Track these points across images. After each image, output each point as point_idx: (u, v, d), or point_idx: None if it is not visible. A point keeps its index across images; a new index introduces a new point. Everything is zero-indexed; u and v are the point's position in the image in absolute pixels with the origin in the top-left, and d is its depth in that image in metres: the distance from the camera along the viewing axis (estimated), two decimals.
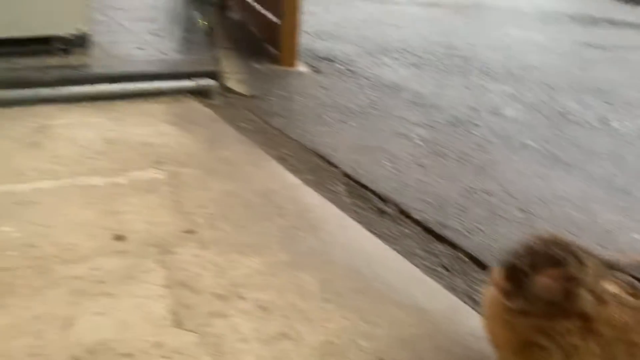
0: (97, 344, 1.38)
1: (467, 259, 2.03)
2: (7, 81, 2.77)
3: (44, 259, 1.67)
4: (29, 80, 2.82)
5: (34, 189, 2.04)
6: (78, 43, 3.18)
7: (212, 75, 3.30)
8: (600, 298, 1.23)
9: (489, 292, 1.41)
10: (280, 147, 2.73)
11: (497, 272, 1.39)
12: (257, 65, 3.85)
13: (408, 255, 1.98)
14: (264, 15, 4.23)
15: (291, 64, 3.89)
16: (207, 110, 3.05)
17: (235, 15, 5.08)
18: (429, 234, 2.15)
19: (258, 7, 4.41)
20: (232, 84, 3.42)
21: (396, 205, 2.29)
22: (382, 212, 2.25)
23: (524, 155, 2.90)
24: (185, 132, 2.70)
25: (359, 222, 2.13)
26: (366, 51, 4.47)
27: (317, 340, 1.47)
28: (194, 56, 3.61)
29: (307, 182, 2.38)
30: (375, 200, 2.33)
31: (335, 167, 2.56)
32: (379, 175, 2.50)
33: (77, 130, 2.55)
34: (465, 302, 1.78)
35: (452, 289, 1.85)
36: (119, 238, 1.81)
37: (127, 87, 2.96)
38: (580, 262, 1.29)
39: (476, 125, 3.20)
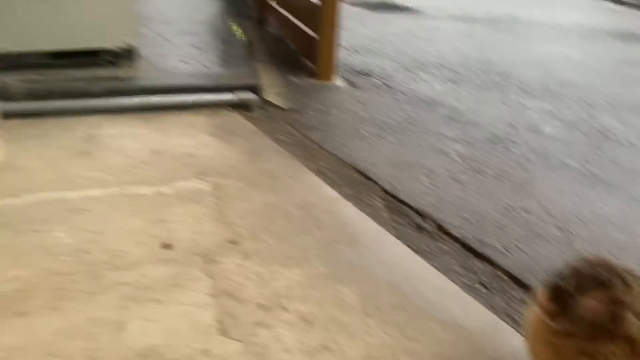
0: (147, 349, 1.43)
1: (506, 277, 2.03)
2: (58, 92, 2.89)
3: (96, 265, 1.74)
4: (79, 91, 2.94)
5: (84, 197, 2.12)
6: (125, 56, 3.31)
7: (252, 88, 3.37)
8: None
9: (532, 312, 1.41)
10: (318, 160, 2.77)
11: (541, 293, 1.39)
12: (295, 79, 3.91)
13: (447, 271, 1.99)
14: (301, 30, 4.31)
15: (328, 78, 3.95)
16: (247, 122, 3.12)
17: (272, 29, 5.18)
18: (467, 251, 2.15)
19: (296, 21, 4.49)
20: (271, 97, 3.49)
21: (434, 222, 2.30)
22: (420, 228, 2.26)
23: (563, 174, 2.87)
24: (226, 144, 2.77)
25: (398, 237, 2.15)
26: (403, 66, 4.49)
27: (358, 354, 1.49)
28: (235, 70, 3.70)
29: (346, 196, 2.42)
30: (413, 215, 2.34)
31: (373, 181, 2.59)
32: (416, 191, 2.52)
33: (124, 140, 2.64)
34: (504, 321, 1.78)
35: (491, 307, 1.85)
36: (166, 246, 1.87)
37: (172, 99, 3.05)
38: (627, 284, 1.29)
39: (514, 142, 3.18)
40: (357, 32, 5.42)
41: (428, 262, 2.02)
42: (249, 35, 4.72)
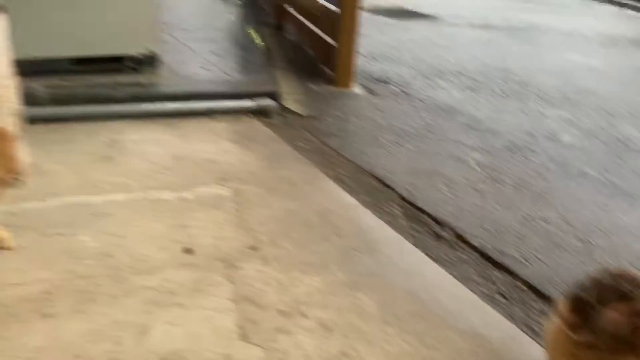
0: (170, 353, 1.46)
1: (525, 288, 2.02)
2: (82, 97, 2.95)
3: (119, 269, 1.77)
4: (102, 97, 3.00)
5: (108, 201, 2.17)
6: (148, 62, 3.37)
7: (271, 95, 3.41)
8: None
9: (552, 323, 1.41)
10: (336, 167, 2.79)
11: (562, 304, 1.39)
12: (313, 86, 3.94)
13: (465, 281, 1.99)
14: (320, 37, 4.34)
15: (347, 85, 3.97)
16: (266, 129, 3.16)
17: (290, 35, 5.21)
18: (486, 260, 2.15)
19: (314, 28, 4.53)
20: (289, 104, 3.52)
21: (453, 230, 2.31)
22: (438, 237, 2.26)
23: (583, 183, 2.85)
24: (246, 150, 2.80)
25: (416, 245, 2.15)
26: (421, 73, 4.50)
27: None
28: (254, 77, 3.73)
29: (364, 203, 2.43)
30: (432, 224, 2.35)
31: (392, 189, 2.60)
32: (435, 199, 2.52)
33: (146, 145, 2.68)
34: (523, 331, 1.77)
35: (510, 317, 1.85)
36: (188, 251, 1.90)
37: (193, 105, 3.10)
38: None
39: (533, 151, 3.17)
40: (375, 39, 5.44)
41: (447, 271, 2.03)
42: (267, 41, 4.76)
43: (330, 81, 4.01)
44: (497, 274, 2.08)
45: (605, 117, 3.87)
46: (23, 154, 1.63)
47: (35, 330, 1.49)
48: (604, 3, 9.93)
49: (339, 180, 2.63)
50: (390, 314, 1.71)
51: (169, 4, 4.75)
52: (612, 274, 1.37)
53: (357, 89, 3.99)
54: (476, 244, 2.23)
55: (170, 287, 1.70)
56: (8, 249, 1.81)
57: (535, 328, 1.79)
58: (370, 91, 3.99)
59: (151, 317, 1.57)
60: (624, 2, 9.61)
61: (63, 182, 2.28)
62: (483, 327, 1.72)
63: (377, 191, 2.58)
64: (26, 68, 2.18)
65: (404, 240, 2.18)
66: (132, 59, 3.34)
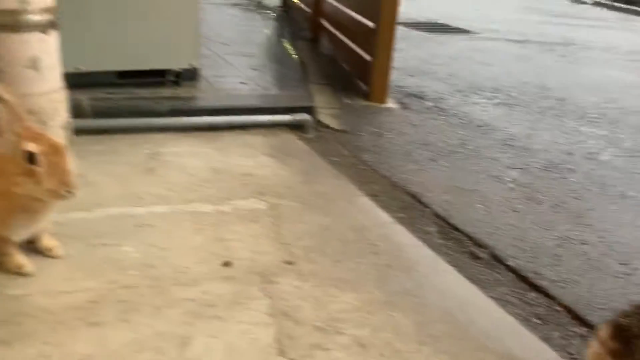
0: None
1: (562, 311, 2.00)
2: (126, 110, 3.05)
3: (161, 280, 1.82)
4: (144, 110, 3.09)
5: (150, 213, 2.23)
6: (188, 76, 3.46)
7: (307, 109, 3.45)
8: None
9: (593, 349, 1.40)
10: (371, 183, 2.81)
11: (604, 330, 1.37)
12: (348, 101, 3.98)
13: (501, 302, 1.98)
14: (355, 52, 4.38)
15: (381, 100, 3.99)
16: (301, 143, 3.20)
17: (325, 49, 5.27)
18: (522, 281, 2.13)
19: (350, 43, 4.57)
20: (324, 118, 3.56)
21: (489, 250, 2.29)
22: (474, 257, 2.25)
23: (623, 205, 2.80)
24: (282, 164, 2.84)
25: (452, 265, 2.15)
26: (456, 89, 4.49)
27: None
28: (290, 91, 3.79)
29: (399, 220, 2.44)
30: (468, 243, 2.34)
31: (427, 206, 2.60)
32: (471, 218, 2.51)
33: (186, 158, 2.75)
34: (561, 356, 1.75)
35: (548, 340, 1.83)
36: (227, 264, 1.94)
37: (231, 119, 3.16)
38: None
39: (571, 170, 3.13)
40: (410, 54, 5.46)
41: (482, 292, 2.02)
42: (302, 55, 4.83)
43: (365, 96, 4.05)
44: (533, 295, 2.06)
45: None
46: (73, 166, 1.70)
47: (82, 338, 1.55)
48: None
49: (373, 196, 2.64)
50: (425, 334, 1.71)
51: (206, 17, 4.86)
52: None
53: (391, 104, 4.01)
54: (512, 265, 2.21)
55: (209, 300, 1.74)
56: (56, 257, 1.88)
57: (574, 353, 1.77)
58: (405, 106, 4.01)
59: (192, 329, 1.61)
60: None
61: (107, 192, 2.35)
62: (519, 350, 1.71)
63: (412, 208, 2.59)
64: (73, 81, 2.28)
65: (440, 259, 2.18)
66: (174, 73, 3.44)
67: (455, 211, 2.56)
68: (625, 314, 1.35)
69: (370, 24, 4.03)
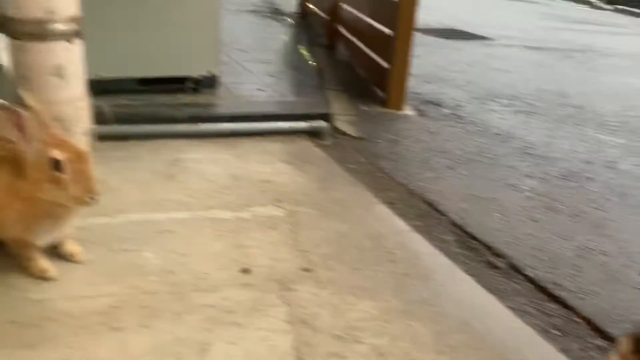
0: None
1: (581, 322, 1.99)
2: (146, 116, 3.09)
3: (181, 286, 1.85)
4: (164, 116, 3.13)
5: (170, 219, 2.26)
6: (207, 83, 3.51)
7: (324, 116, 3.47)
8: None
9: None
10: (387, 190, 2.81)
11: (624, 343, 1.36)
12: (364, 107, 3.99)
13: (519, 312, 1.97)
14: (372, 59, 4.39)
15: (398, 107, 4.00)
16: (318, 150, 3.21)
17: (342, 56, 5.30)
18: (541, 292, 2.12)
19: (367, 50, 4.59)
20: (341, 125, 3.58)
21: (507, 260, 2.29)
22: (492, 266, 2.25)
23: None
24: (300, 171, 2.86)
25: (469, 274, 2.14)
26: (473, 96, 4.48)
27: None
28: (307, 98, 3.82)
29: (416, 228, 2.44)
30: (485, 252, 2.33)
31: (444, 215, 2.60)
32: (488, 227, 2.51)
33: (205, 165, 2.79)
34: None
35: (566, 352, 1.82)
36: (245, 271, 1.96)
37: (249, 126, 3.19)
38: None
39: (591, 179, 3.11)
40: (427, 60, 5.46)
41: (500, 302, 2.01)
42: (319, 62, 4.86)
43: (381, 102, 4.06)
44: (552, 306, 2.05)
45: None
46: (96, 172, 1.74)
47: (104, 342, 1.57)
48: None
49: (390, 203, 2.65)
50: (443, 344, 1.71)
51: (224, 24, 4.91)
52: None
53: (408, 111, 4.01)
54: (531, 275, 2.20)
55: (229, 306, 1.76)
56: (79, 262, 1.92)
57: None
58: (422, 113, 4.01)
59: (211, 335, 1.63)
60: None
61: (128, 198, 2.39)
62: None
63: (429, 216, 2.59)
64: (95, 88, 2.33)
65: (457, 268, 2.18)
66: (193, 80, 3.48)
67: (472, 220, 2.55)
68: None
69: (387, 31, 4.05)
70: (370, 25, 4.46)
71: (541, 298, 2.09)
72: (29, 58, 2.05)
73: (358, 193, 2.72)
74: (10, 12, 1.94)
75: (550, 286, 2.14)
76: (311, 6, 6.93)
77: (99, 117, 3.01)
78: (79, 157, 1.67)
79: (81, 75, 2.21)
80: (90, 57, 2.27)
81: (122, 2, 3.23)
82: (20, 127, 1.62)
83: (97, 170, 1.73)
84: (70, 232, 1.93)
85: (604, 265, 2.31)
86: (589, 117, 4.18)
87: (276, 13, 7.37)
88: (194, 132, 3.08)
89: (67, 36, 2.12)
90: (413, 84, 4.35)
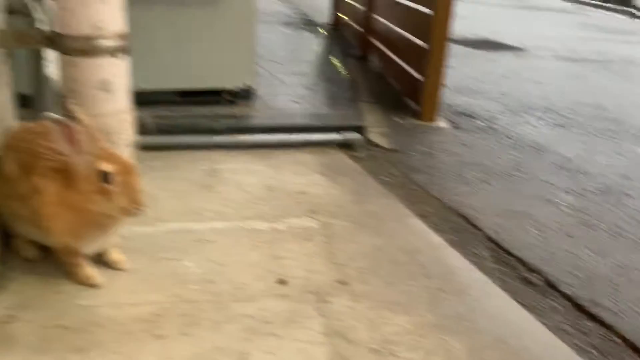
0: None
1: (620, 342, 1.96)
2: (185, 127, 3.18)
3: (221, 295, 1.90)
4: (203, 128, 3.21)
5: (208, 228, 2.32)
6: (244, 95, 3.58)
7: (357, 128, 3.50)
8: None
9: None
10: (421, 203, 2.82)
11: None
12: (397, 119, 4.01)
13: (556, 330, 1.95)
14: (405, 70, 4.41)
15: (432, 119, 4.00)
16: (351, 162, 3.24)
17: (374, 67, 5.32)
18: (578, 310, 2.10)
19: (400, 61, 4.61)
20: (374, 137, 3.60)
21: (543, 276, 2.27)
22: (528, 282, 2.23)
23: None
24: (333, 183, 2.89)
25: (505, 290, 2.13)
26: (507, 108, 4.45)
27: None
28: (341, 110, 3.85)
29: (451, 242, 2.44)
30: (521, 268, 2.32)
31: (479, 229, 2.59)
32: (524, 243, 2.49)
33: (241, 175, 2.85)
34: None
35: None
36: (282, 282, 2.00)
37: (284, 137, 3.25)
38: None
39: (629, 195, 3.05)
40: (460, 71, 5.44)
41: (536, 319, 2.00)
42: (352, 73, 4.89)
43: (414, 114, 4.07)
44: (590, 325, 2.03)
45: None
46: (142, 184, 1.80)
47: (147, 349, 1.63)
48: None
49: (424, 217, 2.66)
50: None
51: (259, 36, 5.00)
52: None
53: (442, 123, 4.01)
54: (568, 292, 2.18)
55: (266, 317, 1.80)
56: (122, 270, 1.99)
57: None
58: (456, 125, 4.00)
59: (250, 345, 1.67)
60: None
61: (168, 207, 2.46)
62: None
63: (463, 231, 2.59)
64: (136, 99, 2.41)
65: (492, 283, 2.17)
66: (230, 92, 3.56)
67: (507, 235, 2.54)
68: None
69: (421, 43, 4.06)
70: (404, 37, 4.48)
71: (578, 316, 2.07)
72: (77, 72, 2.14)
73: (392, 206, 2.74)
74: (61, 29, 2.03)
75: (587, 304, 2.12)
76: (343, 17, 6.99)
77: (141, 128, 3.11)
78: (126, 169, 1.74)
79: (126, 89, 2.30)
80: (132, 69, 2.36)
81: (163, 17, 3.34)
82: (72, 140, 1.70)
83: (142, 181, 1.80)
84: (115, 240, 2.00)
85: None
86: (626, 131, 4.11)
87: (309, 24, 7.46)
88: (231, 143, 3.15)
89: (113, 51, 2.21)
90: (446, 96, 4.35)
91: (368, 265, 2.17)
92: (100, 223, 1.81)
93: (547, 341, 1.88)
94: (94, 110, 2.13)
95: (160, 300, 1.85)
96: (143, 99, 3.13)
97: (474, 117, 4.18)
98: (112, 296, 1.85)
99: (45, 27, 2.35)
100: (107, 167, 1.71)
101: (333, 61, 5.27)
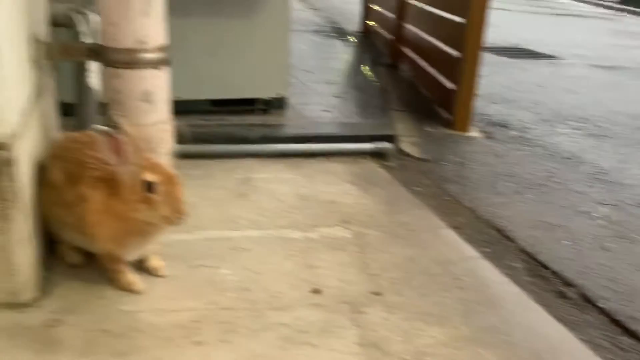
0: None
1: None
2: (221, 136, 3.25)
3: (257, 303, 1.94)
4: (237, 137, 3.27)
5: (244, 237, 2.37)
6: (276, 105, 3.64)
7: (388, 138, 3.51)
8: None
9: None
10: (454, 214, 2.82)
11: None
12: (429, 128, 4.00)
13: (593, 346, 1.94)
14: (437, 79, 4.40)
15: (464, 129, 3.99)
16: (383, 171, 3.26)
17: (405, 75, 5.33)
18: (615, 325, 2.07)
19: (432, 70, 4.60)
20: (406, 146, 3.61)
21: (578, 290, 2.25)
22: (563, 296, 2.22)
23: None
24: (365, 193, 2.91)
25: (539, 303, 2.12)
26: (541, 118, 4.40)
27: None
28: (372, 119, 3.88)
29: (484, 254, 2.43)
30: (556, 281, 2.30)
31: (513, 241, 2.58)
32: (559, 255, 2.47)
33: (275, 184, 2.89)
34: None
35: None
36: (316, 291, 2.03)
37: (316, 147, 3.29)
38: None
39: None
40: (492, 80, 5.41)
41: (572, 333, 1.98)
42: (382, 81, 4.91)
43: (447, 124, 4.06)
44: (628, 341, 2.00)
45: None
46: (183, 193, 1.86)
47: (188, 355, 1.68)
48: None
49: (457, 228, 2.65)
50: None
51: (290, 45, 5.07)
52: None
53: (474, 133, 3.99)
54: (604, 307, 2.15)
55: (302, 326, 1.83)
56: (162, 276, 2.04)
57: None
58: (488, 135, 3.98)
59: (286, 354, 1.70)
60: None
61: (204, 215, 2.52)
62: None
63: (497, 242, 2.58)
64: (172, 108, 2.48)
65: (526, 296, 2.16)
66: (263, 101, 3.63)
67: (542, 247, 2.52)
68: None
69: (454, 52, 4.06)
70: (435, 45, 4.48)
71: (615, 331, 2.04)
72: (121, 84, 2.22)
73: (424, 216, 2.75)
74: (106, 42, 2.10)
75: (625, 319, 2.09)
76: (374, 25, 7.01)
77: (179, 137, 3.19)
78: (169, 179, 1.80)
79: (167, 100, 2.37)
80: (170, 79, 2.43)
81: (200, 29, 3.42)
82: (118, 151, 1.76)
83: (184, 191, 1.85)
84: (155, 247, 2.06)
85: None
86: None
87: (339, 32, 7.50)
88: (263, 152, 3.21)
89: (155, 64, 2.28)
90: (479, 105, 4.32)
91: (401, 276, 2.18)
92: (143, 231, 1.87)
93: (583, 356, 1.87)
94: (137, 121, 2.20)
95: (199, 307, 1.90)
96: (178, 108, 3.21)
97: (506, 127, 4.15)
98: (152, 302, 1.91)
99: (89, 40, 2.45)
100: (151, 177, 1.77)
101: (363, 69, 5.30)
